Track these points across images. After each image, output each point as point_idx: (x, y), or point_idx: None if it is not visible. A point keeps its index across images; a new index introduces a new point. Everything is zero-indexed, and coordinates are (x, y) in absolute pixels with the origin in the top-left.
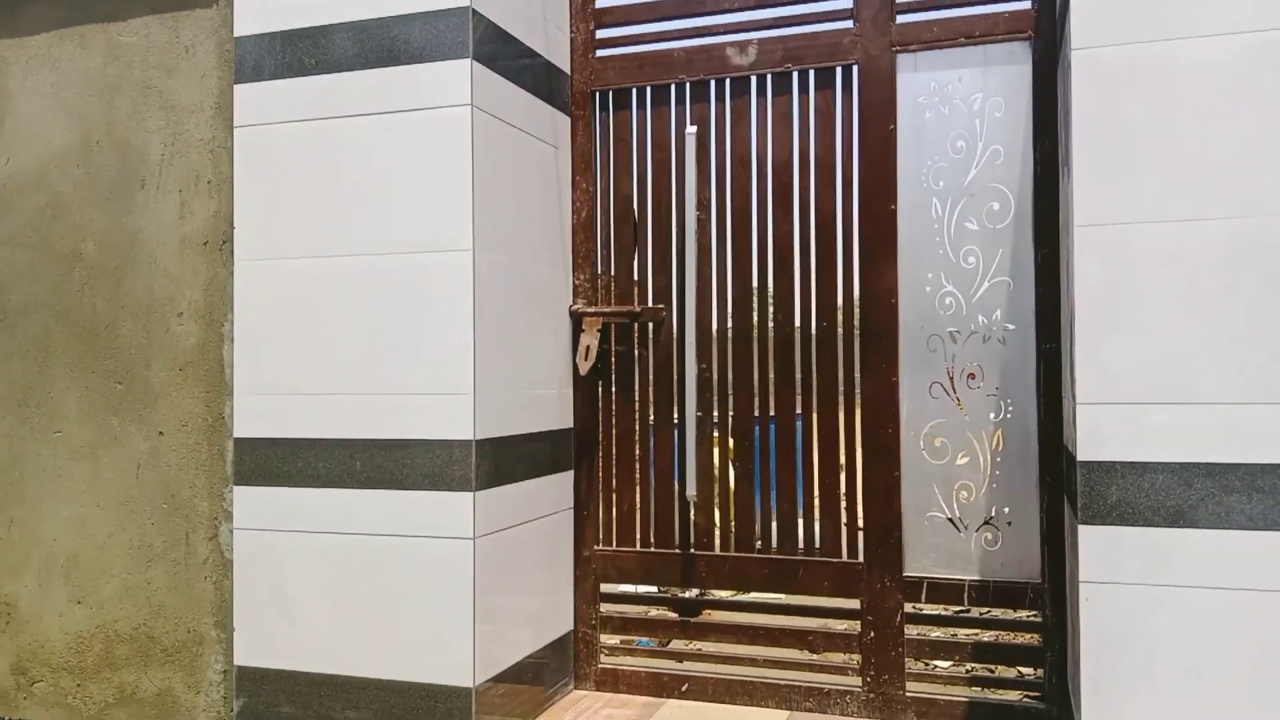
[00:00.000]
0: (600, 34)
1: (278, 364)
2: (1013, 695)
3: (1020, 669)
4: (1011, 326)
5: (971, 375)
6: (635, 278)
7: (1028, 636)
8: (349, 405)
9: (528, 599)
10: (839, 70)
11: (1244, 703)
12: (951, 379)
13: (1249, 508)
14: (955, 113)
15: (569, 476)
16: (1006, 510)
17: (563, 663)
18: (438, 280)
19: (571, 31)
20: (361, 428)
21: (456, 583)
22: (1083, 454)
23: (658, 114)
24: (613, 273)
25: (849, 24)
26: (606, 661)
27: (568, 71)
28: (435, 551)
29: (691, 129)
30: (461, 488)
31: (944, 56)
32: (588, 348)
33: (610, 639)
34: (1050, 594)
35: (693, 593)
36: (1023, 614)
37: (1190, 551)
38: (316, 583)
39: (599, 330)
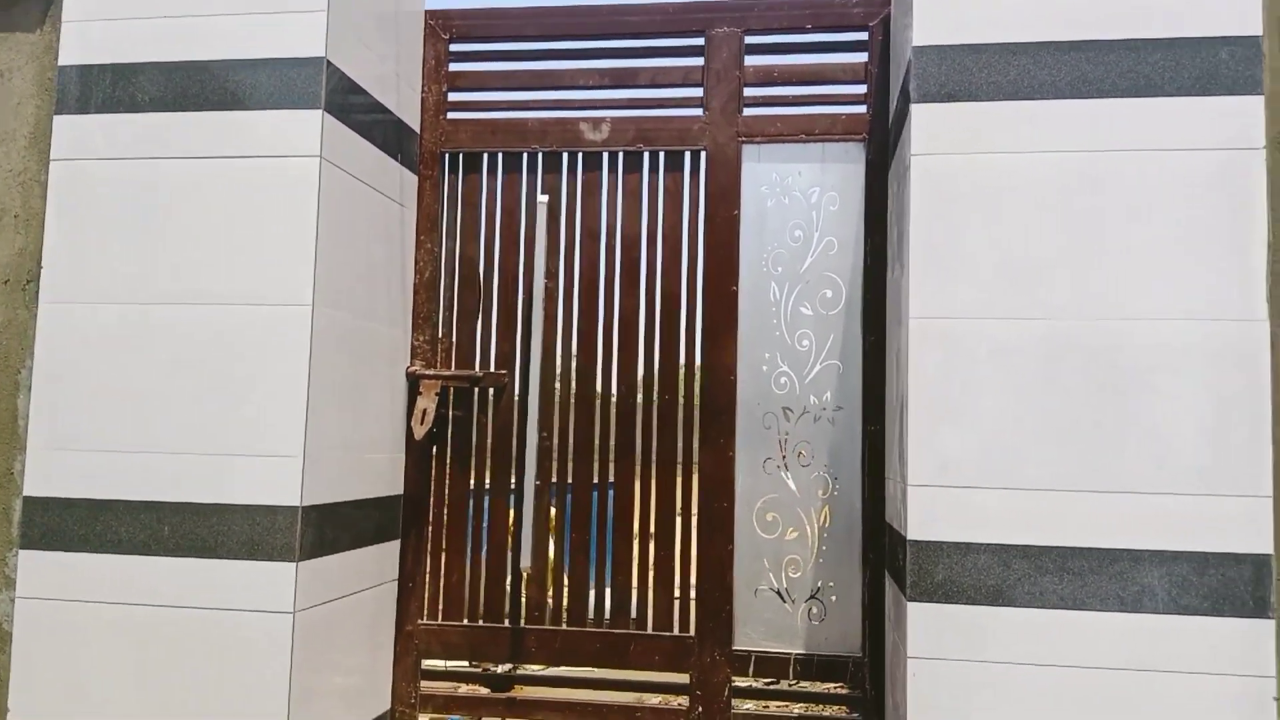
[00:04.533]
0: (453, 96)
1: (80, 416)
2: None
3: None
4: (840, 408)
5: (802, 453)
6: (478, 342)
7: (848, 711)
8: (159, 465)
9: (346, 677)
10: (688, 154)
11: None
12: (784, 456)
13: (1060, 588)
14: (794, 203)
15: (395, 546)
16: (832, 584)
17: None
18: (273, 335)
19: (423, 91)
20: (173, 490)
21: (272, 661)
22: (913, 534)
23: (509, 181)
24: (454, 336)
25: (699, 112)
26: None
27: (417, 131)
28: (251, 627)
29: (543, 198)
30: (283, 557)
31: (786, 150)
32: (424, 411)
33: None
34: (870, 669)
35: (505, 667)
36: (844, 689)
37: (1008, 629)
38: (113, 660)
39: (437, 394)
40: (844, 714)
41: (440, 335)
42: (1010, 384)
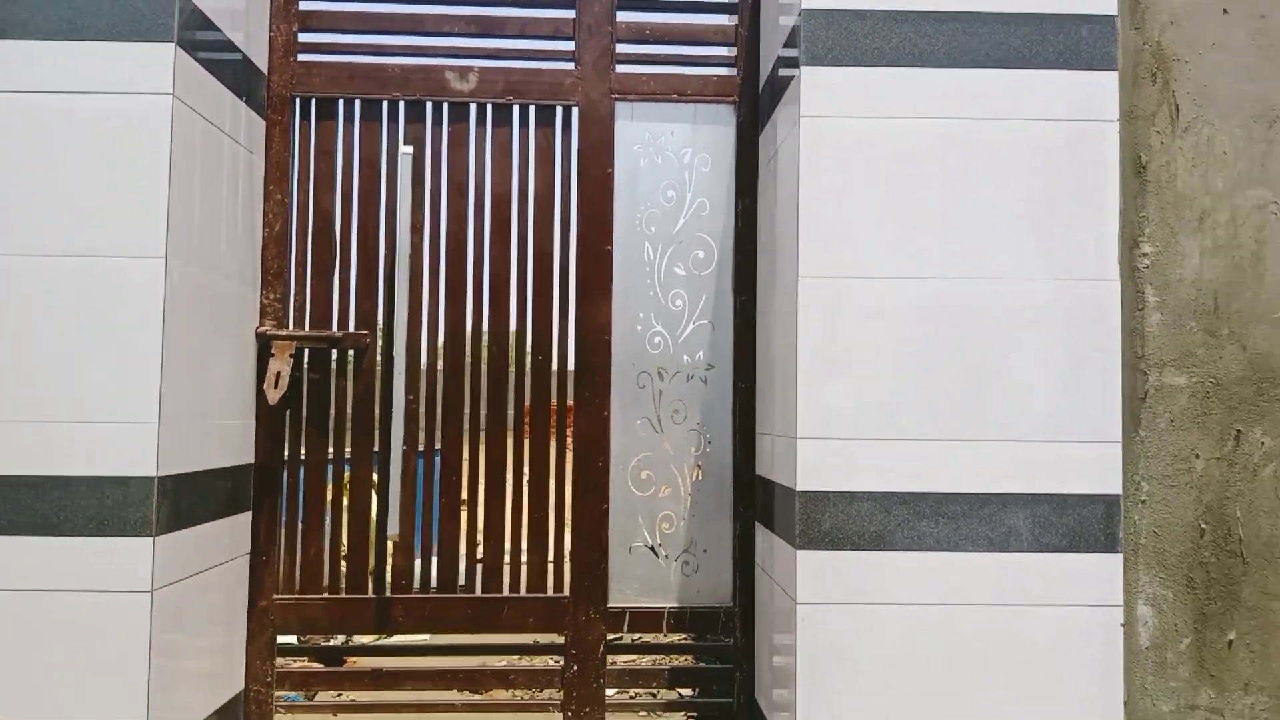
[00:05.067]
0: (304, 37)
1: None
2: (707, 718)
3: (714, 691)
4: (712, 366)
5: (676, 412)
6: (336, 301)
7: (719, 660)
8: None
9: (203, 659)
10: (560, 109)
11: (939, 702)
12: (659, 415)
13: (936, 531)
14: (667, 163)
15: (247, 518)
16: (704, 539)
17: None
18: (121, 291)
19: (271, 30)
20: (3, 462)
21: (129, 644)
22: (802, 485)
23: (368, 130)
24: (308, 294)
25: (571, 65)
26: None
27: (265, 72)
28: (105, 608)
29: (407, 150)
30: (138, 532)
31: (659, 109)
32: (278, 374)
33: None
34: (740, 618)
35: (371, 639)
36: (716, 639)
37: (890, 572)
38: None
39: (291, 356)
40: (715, 663)
41: (293, 293)
42: (890, 340)
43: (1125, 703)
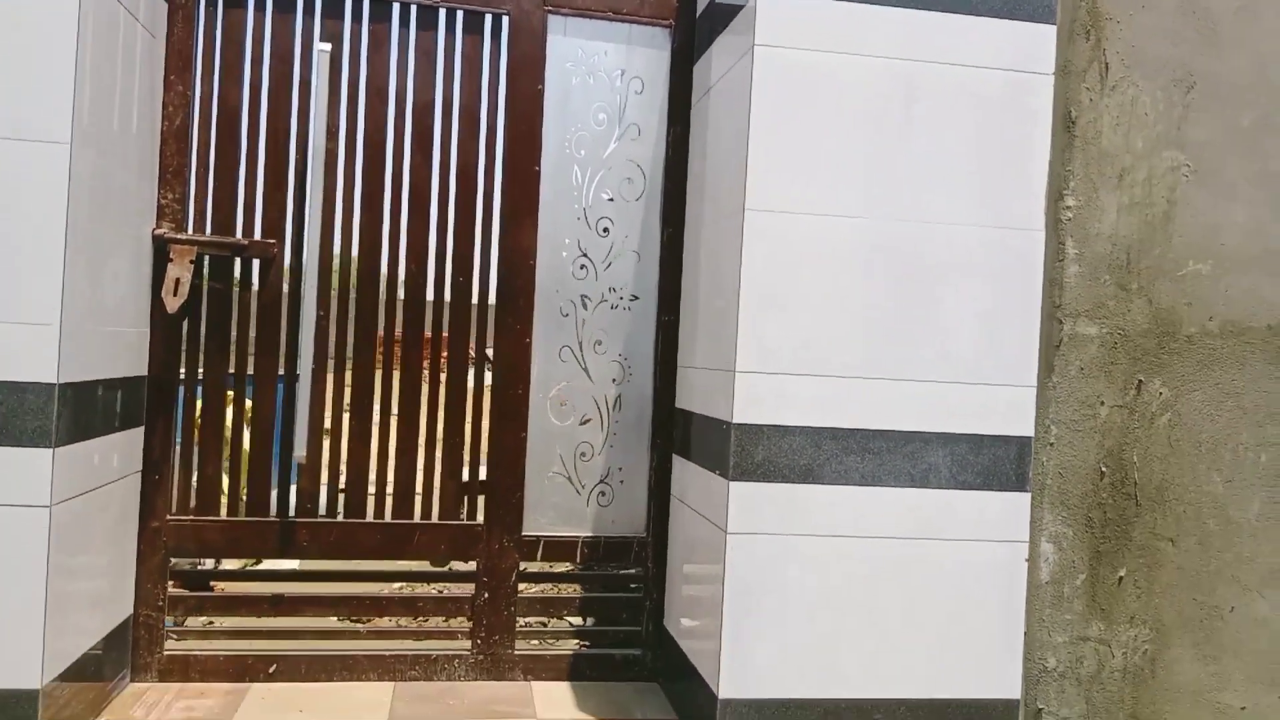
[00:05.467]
0: None
1: None
2: (615, 647)
3: (623, 619)
4: (636, 297)
5: (599, 341)
6: (241, 205)
7: (631, 589)
8: None
9: (97, 580)
10: (489, 17)
11: (856, 630)
12: (581, 344)
13: (862, 466)
14: (600, 85)
15: (140, 433)
16: (620, 469)
17: (122, 652)
18: (20, 178)
19: None
20: None
21: (26, 562)
22: (738, 417)
23: (281, 21)
24: (210, 196)
25: None
26: (174, 648)
27: None
28: None
29: (324, 46)
30: (36, 442)
31: (593, 27)
32: (177, 281)
33: (188, 621)
34: (653, 548)
35: (272, 563)
36: (628, 568)
37: (817, 504)
38: None
39: (192, 262)
40: (626, 591)
41: (194, 194)
42: (827, 277)
43: (1025, 633)
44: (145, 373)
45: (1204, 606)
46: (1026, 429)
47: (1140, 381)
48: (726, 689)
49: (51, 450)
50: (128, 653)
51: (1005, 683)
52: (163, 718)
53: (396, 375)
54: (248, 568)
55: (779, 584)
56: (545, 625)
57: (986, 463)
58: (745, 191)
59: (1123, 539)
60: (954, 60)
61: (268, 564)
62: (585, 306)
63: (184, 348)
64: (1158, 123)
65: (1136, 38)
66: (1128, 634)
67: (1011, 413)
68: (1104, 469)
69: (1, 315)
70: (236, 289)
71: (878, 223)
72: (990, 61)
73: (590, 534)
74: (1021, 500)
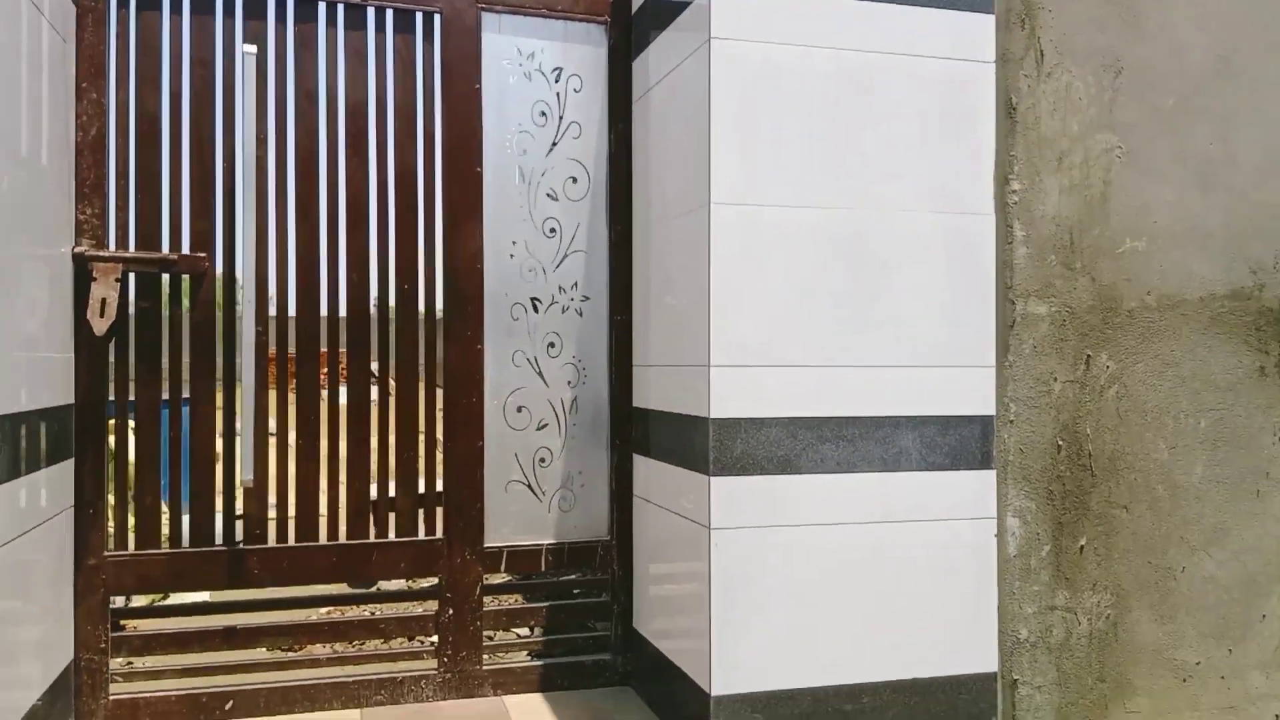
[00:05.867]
0: None
1: None
2: (584, 654)
3: (591, 625)
4: (588, 298)
5: (552, 344)
6: (166, 219)
7: (597, 594)
8: None
9: (35, 626)
10: (419, 15)
11: (839, 617)
12: (534, 348)
13: (837, 453)
14: (538, 83)
15: (70, 466)
16: (580, 472)
17: (67, 701)
18: None
19: None
20: None
21: None
22: (715, 412)
23: (200, 24)
24: (132, 210)
25: None
26: (120, 691)
27: None
28: None
29: (250, 49)
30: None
31: (527, 24)
32: (103, 301)
33: (131, 662)
34: (618, 550)
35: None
36: (594, 573)
37: (795, 494)
38: None
39: (117, 280)
40: (594, 597)
41: (114, 209)
42: (792, 269)
43: (998, 607)
44: (72, 400)
45: (1158, 569)
46: (989, 408)
47: (1089, 356)
48: (719, 685)
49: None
50: (71, 700)
51: (983, 657)
52: None
53: (343, 390)
54: (155, 604)
55: (762, 577)
56: (513, 637)
57: (954, 443)
58: (710, 186)
59: (1081, 509)
60: (902, 50)
61: (177, 598)
62: (536, 309)
63: (112, 371)
64: (1090, 106)
65: (1067, 25)
66: (1091, 600)
67: (974, 393)
68: (1060, 443)
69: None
70: (166, 306)
71: (837, 212)
72: (937, 51)
73: (553, 541)
74: (988, 478)
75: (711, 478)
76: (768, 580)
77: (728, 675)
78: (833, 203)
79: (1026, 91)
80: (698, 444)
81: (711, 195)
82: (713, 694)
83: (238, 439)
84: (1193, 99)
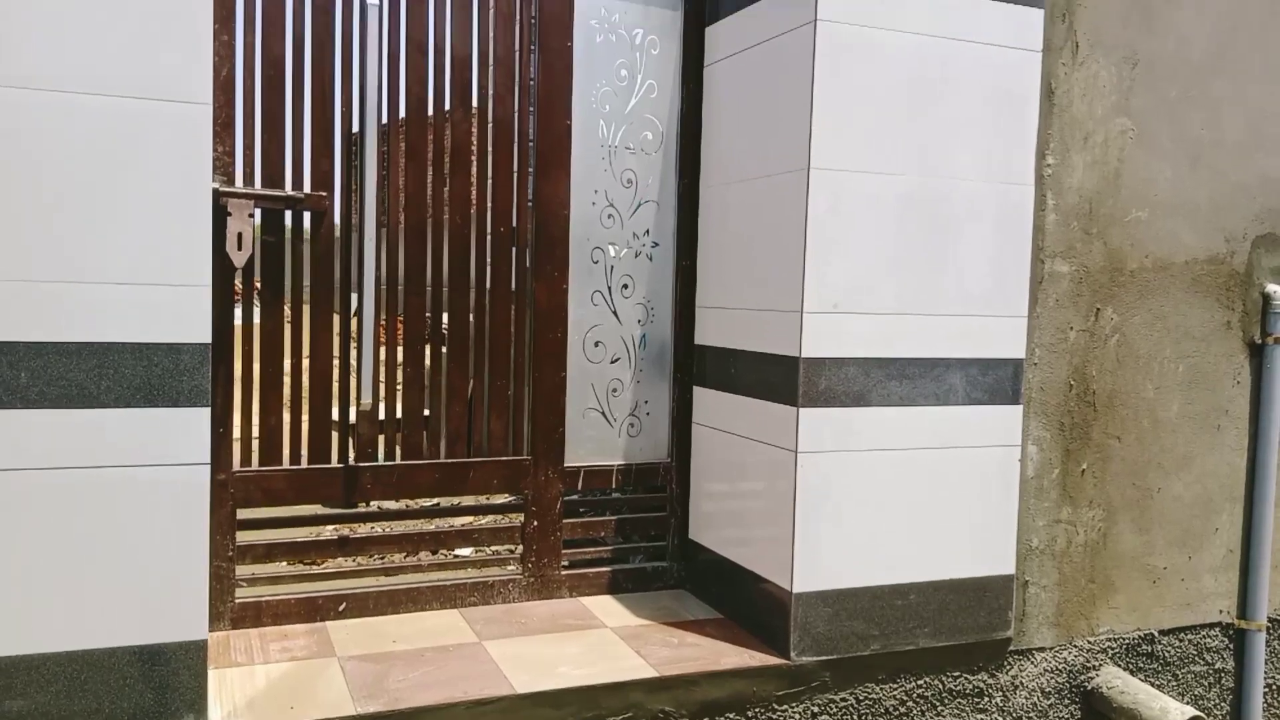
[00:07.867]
0: None
1: None
2: (646, 561)
3: (651, 535)
4: (657, 244)
5: (625, 285)
6: (289, 159)
7: (658, 508)
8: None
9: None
10: None
11: (893, 527)
12: (610, 288)
13: (900, 390)
14: (621, 42)
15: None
16: (646, 402)
17: None
18: (148, 132)
19: None
20: (26, 329)
21: (189, 521)
22: (806, 353)
23: None
24: (258, 150)
25: None
26: (244, 595)
27: None
28: (150, 485)
29: (374, 1)
30: (193, 402)
31: None
32: (240, 235)
33: (253, 569)
34: (676, 470)
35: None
36: (655, 492)
37: (866, 424)
38: None
39: (250, 215)
40: (656, 511)
41: (242, 148)
42: (873, 228)
43: (1017, 520)
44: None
45: (1140, 489)
46: (1020, 352)
47: (1098, 309)
48: (800, 584)
49: (208, 409)
50: None
51: (1004, 561)
52: (264, 658)
53: (445, 323)
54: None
55: (834, 494)
56: (585, 547)
57: (991, 382)
58: (810, 152)
59: (1084, 439)
60: (971, 38)
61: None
62: (613, 253)
63: (240, 302)
64: (1112, 93)
65: (1098, 20)
66: (1087, 515)
67: (1009, 339)
68: (1072, 383)
69: (147, 278)
70: (289, 242)
71: (911, 179)
72: (997, 39)
73: (622, 462)
74: (1015, 412)
75: (800, 409)
76: (838, 497)
77: (805, 576)
78: (907, 170)
79: (1063, 78)
80: (784, 380)
81: (811, 160)
82: (794, 591)
83: (353, 365)
84: (1191, 89)
